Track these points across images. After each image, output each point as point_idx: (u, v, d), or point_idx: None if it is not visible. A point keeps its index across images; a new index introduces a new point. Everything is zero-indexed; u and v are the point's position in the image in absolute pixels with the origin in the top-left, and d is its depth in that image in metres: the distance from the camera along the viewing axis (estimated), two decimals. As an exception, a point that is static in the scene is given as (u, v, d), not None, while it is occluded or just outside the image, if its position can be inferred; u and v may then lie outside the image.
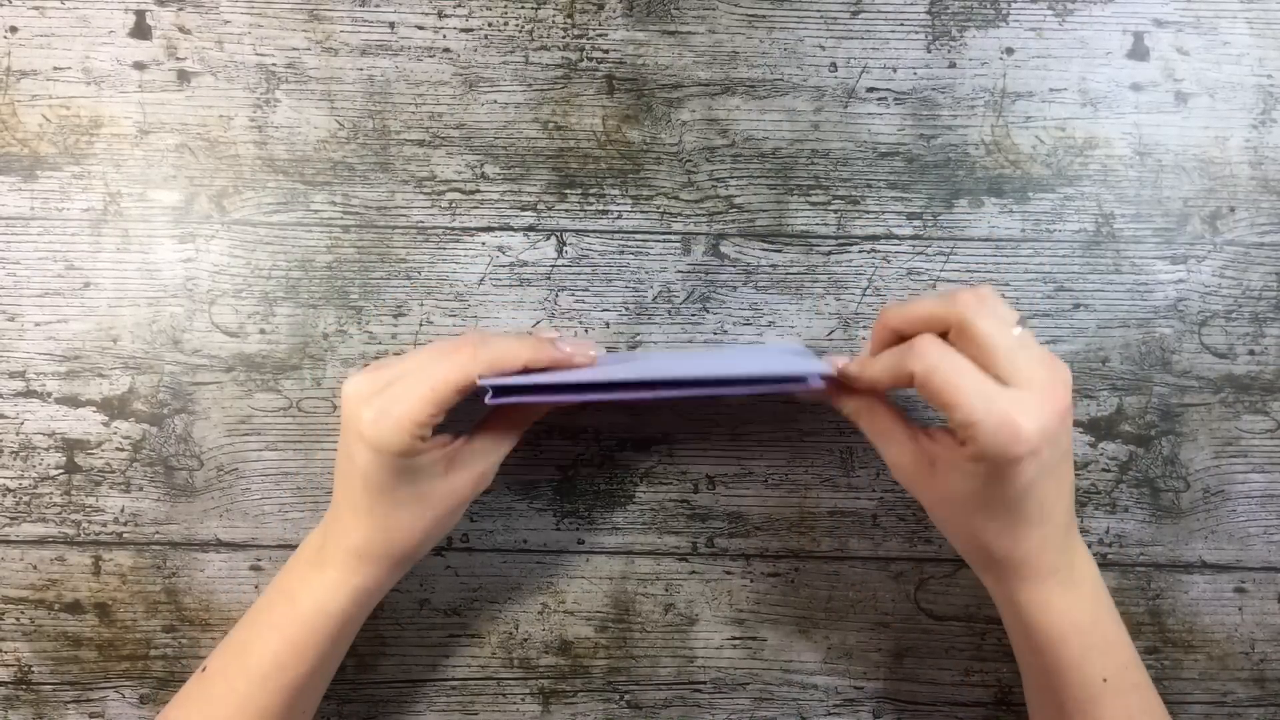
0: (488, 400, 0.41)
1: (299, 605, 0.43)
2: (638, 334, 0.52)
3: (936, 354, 0.39)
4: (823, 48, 0.52)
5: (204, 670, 0.45)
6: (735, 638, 0.53)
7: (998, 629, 0.52)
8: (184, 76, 0.52)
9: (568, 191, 0.52)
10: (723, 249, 0.52)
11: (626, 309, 0.52)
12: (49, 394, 0.52)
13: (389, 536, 0.43)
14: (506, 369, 0.42)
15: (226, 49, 0.52)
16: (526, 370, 0.43)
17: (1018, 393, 0.38)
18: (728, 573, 0.53)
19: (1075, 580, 0.42)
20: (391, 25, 0.52)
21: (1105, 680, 0.42)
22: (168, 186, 0.52)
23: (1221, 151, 0.52)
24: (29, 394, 0.52)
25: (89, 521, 0.52)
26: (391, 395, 0.40)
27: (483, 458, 0.45)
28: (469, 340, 0.42)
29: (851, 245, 0.52)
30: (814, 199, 0.52)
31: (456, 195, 0.52)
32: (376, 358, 0.52)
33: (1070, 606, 0.41)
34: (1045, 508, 0.40)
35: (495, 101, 0.52)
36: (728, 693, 0.53)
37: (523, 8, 0.52)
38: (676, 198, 0.52)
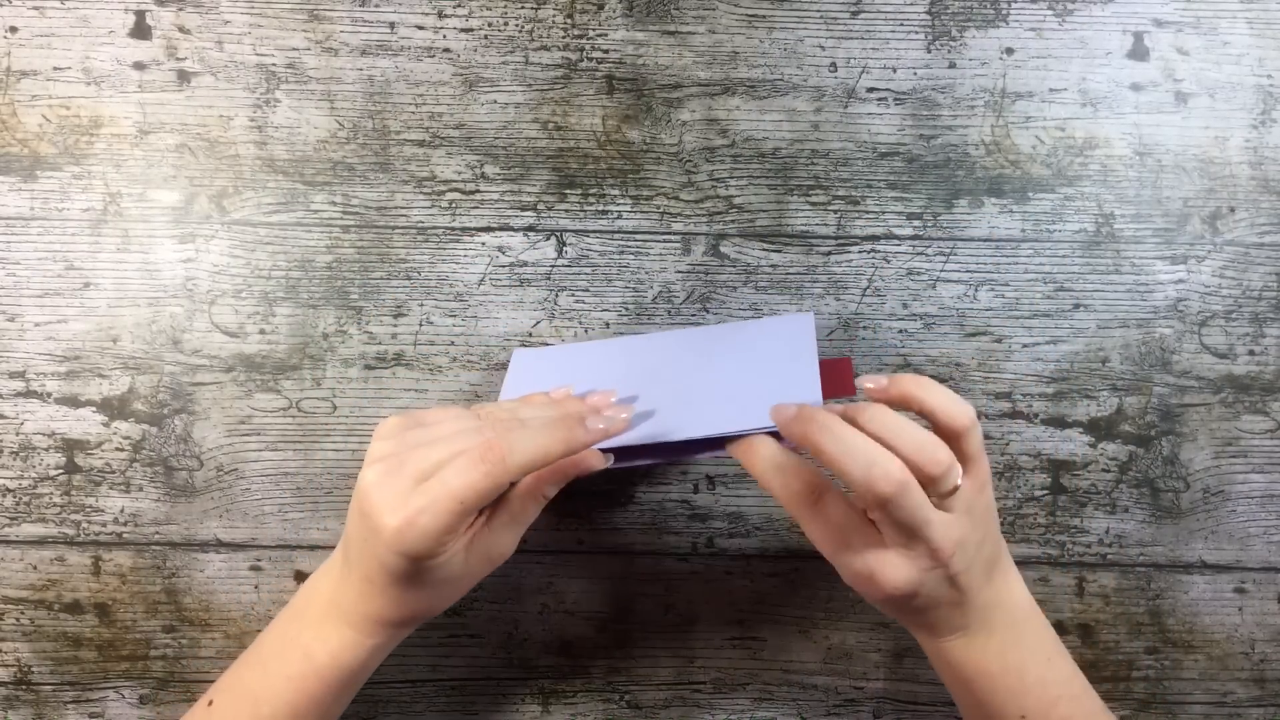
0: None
1: (315, 660, 0.43)
2: (638, 334, 0.52)
3: (825, 493, 0.40)
4: (823, 48, 0.52)
5: (210, 705, 0.44)
6: (735, 638, 0.53)
7: (998, 629, 0.52)
8: (184, 76, 0.52)
9: (568, 191, 0.52)
10: (723, 249, 0.52)
11: (626, 309, 0.52)
12: (49, 394, 0.52)
13: (404, 612, 0.42)
14: (538, 467, 0.40)
15: (226, 49, 0.52)
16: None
17: (886, 551, 0.38)
18: (728, 573, 0.53)
19: (988, 630, 0.41)
20: (391, 25, 0.52)
21: (1023, 717, 0.42)
22: (168, 186, 0.52)
23: (1221, 151, 0.52)
24: (29, 394, 0.52)
25: (89, 521, 0.52)
26: (417, 506, 0.38)
27: (501, 537, 0.43)
28: (498, 443, 0.39)
29: (851, 245, 0.52)
30: (814, 199, 0.52)
31: (456, 195, 0.52)
32: (377, 357, 0.52)
33: (979, 656, 0.42)
34: (940, 612, 0.40)
35: (495, 101, 0.52)
36: (728, 693, 0.53)
37: (523, 8, 0.52)
38: (676, 198, 0.52)
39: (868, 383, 0.41)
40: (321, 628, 0.43)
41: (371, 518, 0.39)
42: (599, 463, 0.43)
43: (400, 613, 0.42)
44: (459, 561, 0.41)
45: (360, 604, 0.42)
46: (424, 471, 0.39)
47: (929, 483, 0.38)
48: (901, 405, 0.41)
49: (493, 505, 0.42)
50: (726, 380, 0.45)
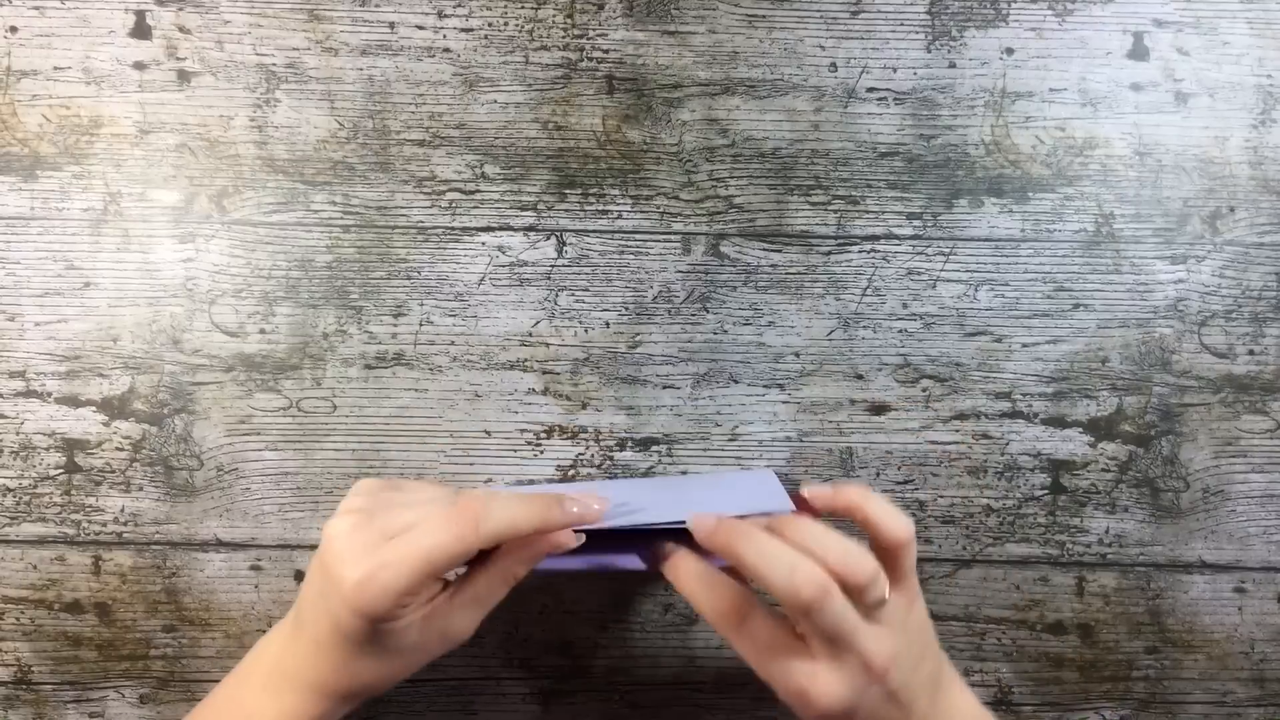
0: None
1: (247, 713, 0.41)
2: (638, 334, 0.52)
3: (752, 610, 0.39)
4: (823, 48, 0.52)
5: None
6: (735, 638, 0.53)
7: (997, 629, 0.52)
8: (184, 76, 0.52)
9: (568, 191, 0.52)
10: (723, 249, 0.52)
11: (626, 309, 0.52)
12: (49, 394, 0.52)
13: (350, 682, 0.40)
14: (510, 538, 0.40)
15: (226, 49, 0.52)
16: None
17: (816, 665, 0.37)
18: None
19: None
20: (391, 25, 0.52)
21: None
22: (168, 186, 0.52)
23: (1221, 151, 0.52)
24: (29, 394, 0.52)
25: (89, 521, 0.52)
26: (381, 560, 0.37)
27: (462, 616, 0.41)
28: (472, 508, 0.38)
29: (851, 245, 0.52)
30: (814, 199, 0.52)
31: (456, 195, 0.52)
32: (377, 357, 0.52)
33: None
34: None
35: (495, 101, 0.52)
36: (728, 693, 0.53)
37: (523, 8, 0.52)
38: (676, 198, 0.52)
39: (808, 490, 0.42)
40: (263, 694, 0.41)
41: (332, 569, 0.38)
42: (571, 540, 0.41)
43: (345, 682, 0.40)
44: (414, 633, 0.40)
45: (306, 669, 0.40)
46: (394, 529, 0.38)
47: (855, 592, 0.37)
48: (845, 515, 0.41)
49: (459, 582, 0.41)
50: (700, 497, 0.47)
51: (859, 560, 0.37)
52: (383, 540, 0.38)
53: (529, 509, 0.39)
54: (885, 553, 0.39)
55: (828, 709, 0.37)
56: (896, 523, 0.39)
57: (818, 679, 0.37)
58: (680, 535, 0.41)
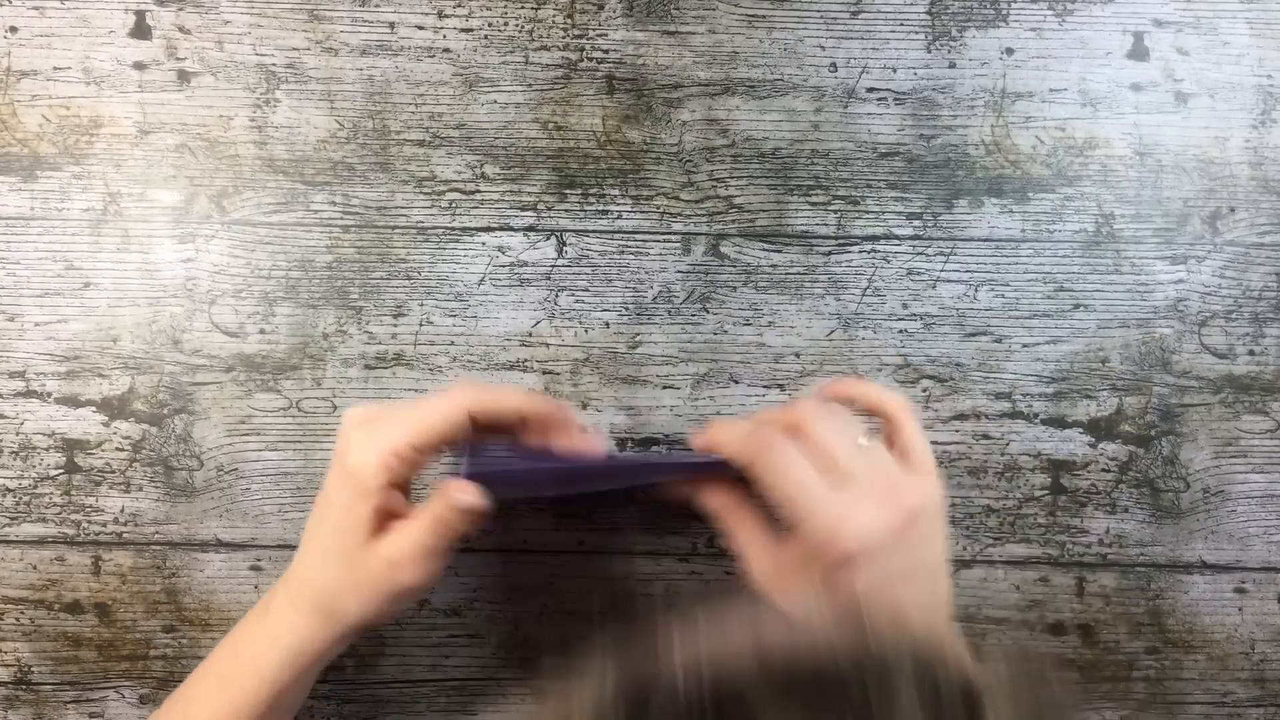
0: (462, 471, 0.40)
1: (240, 656, 0.43)
2: (638, 334, 0.52)
3: (773, 446, 0.39)
4: (823, 48, 0.52)
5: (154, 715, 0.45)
6: (735, 638, 0.53)
7: (998, 629, 0.52)
8: (184, 76, 0.52)
9: (568, 191, 0.52)
10: (723, 249, 0.52)
11: (626, 309, 0.52)
12: (49, 394, 0.52)
13: (324, 587, 0.41)
14: (500, 412, 0.41)
15: (226, 49, 0.52)
16: (516, 442, 0.43)
17: (849, 496, 0.38)
18: (728, 573, 0.53)
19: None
20: (391, 25, 0.52)
21: None
22: (168, 186, 0.52)
23: (1221, 151, 0.52)
24: (29, 394, 0.52)
25: (89, 521, 0.52)
26: (383, 422, 0.40)
27: (401, 553, 0.40)
28: (467, 381, 0.41)
29: (851, 245, 0.52)
30: (814, 199, 0.52)
31: (456, 195, 0.52)
32: (377, 357, 0.52)
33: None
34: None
35: (495, 101, 0.52)
36: (728, 693, 0.53)
37: (523, 8, 0.52)
38: (676, 198, 0.52)
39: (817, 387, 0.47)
40: (252, 621, 0.44)
41: (339, 441, 0.41)
42: (581, 442, 0.44)
43: (318, 586, 0.41)
44: (369, 534, 0.40)
45: (290, 581, 0.42)
46: (399, 408, 0.42)
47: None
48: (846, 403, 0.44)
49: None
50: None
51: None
52: (390, 412, 0.41)
53: (520, 391, 0.43)
54: (893, 428, 0.42)
55: (855, 536, 0.38)
56: (890, 394, 0.43)
57: (854, 508, 0.38)
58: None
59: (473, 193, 0.52)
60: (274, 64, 0.52)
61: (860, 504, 0.38)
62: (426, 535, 0.41)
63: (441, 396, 0.41)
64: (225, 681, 0.43)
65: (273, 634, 0.42)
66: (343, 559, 0.41)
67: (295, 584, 0.43)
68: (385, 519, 0.41)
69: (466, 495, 0.40)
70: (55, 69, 0.51)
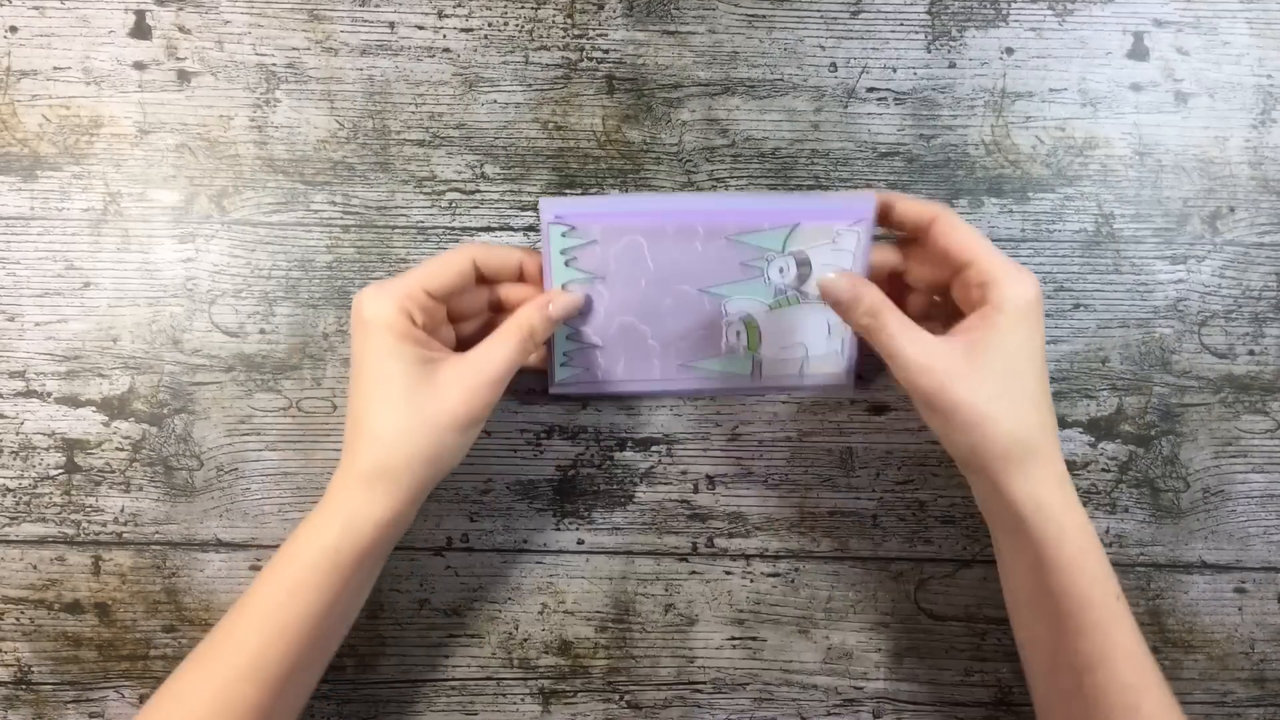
0: (548, 220, 0.45)
1: (297, 545, 0.41)
2: (638, 334, 0.52)
3: (954, 215, 0.44)
4: (823, 48, 0.52)
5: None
6: (735, 638, 0.53)
7: (998, 629, 0.52)
8: (184, 76, 0.52)
9: (568, 191, 0.52)
10: (723, 249, 0.52)
11: (626, 309, 0.52)
12: (49, 394, 0.52)
13: (376, 443, 0.41)
14: (503, 263, 0.46)
15: (226, 49, 0.52)
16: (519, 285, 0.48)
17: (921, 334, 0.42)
18: (728, 573, 0.53)
19: (1071, 483, 0.43)
20: (391, 25, 0.52)
21: (1117, 598, 0.43)
22: (168, 186, 0.52)
23: (1221, 151, 0.52)
24: (29, 394, 0.52)
25: (89, 521, 0.52)
26: (392, 279, 0.43)
27: (473, 373, 0.42)
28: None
29: (851, 245, 0.52)
30: (814, 199, 0.52)
31: (456, 195, 0.52)
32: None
33: (1074, 504, 0.42)
34: (1044, 384, 0.42)
35: (495, 101, 0.52)
36: (728, 693, 0.53)
37: (523, 8, 0.52)
38: (676, 198, 0.52)
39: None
40: (303, 524, 0.43)
41: (354, 308, 0.43)
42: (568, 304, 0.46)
43: (374, 449, 0.41)
44: (426, 376, 0.41)
45: (342, 466, 0.42)
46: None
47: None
48: (916, 233, 0.46)
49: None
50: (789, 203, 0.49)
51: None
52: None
53: (523, 249, 0.47)
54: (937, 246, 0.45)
55: (1036, 282, 0.43)
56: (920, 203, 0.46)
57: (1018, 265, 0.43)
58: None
59: (473, 192, 0.52)
60: (274, 64, 0.52)
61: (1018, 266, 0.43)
62: (508, 348, 0.43)
63: (447, 251, 0.45)
64: (281, 572, 0.41)
65: (323, 515, 0.41)
66: (397, 403, 0.41)
67: (345, 460, 0.42)
68: (427, 359, 0.42)
69: (559, 301, 0.45)
70: (55, 69, 0.51)
